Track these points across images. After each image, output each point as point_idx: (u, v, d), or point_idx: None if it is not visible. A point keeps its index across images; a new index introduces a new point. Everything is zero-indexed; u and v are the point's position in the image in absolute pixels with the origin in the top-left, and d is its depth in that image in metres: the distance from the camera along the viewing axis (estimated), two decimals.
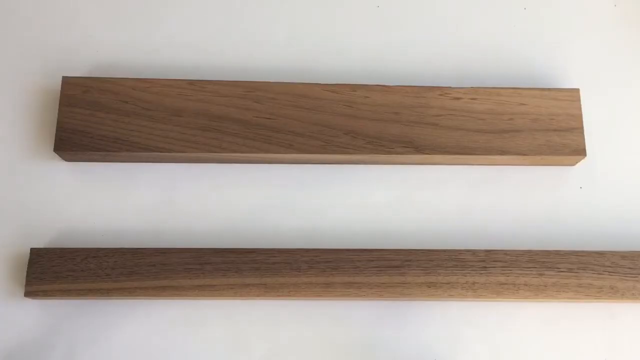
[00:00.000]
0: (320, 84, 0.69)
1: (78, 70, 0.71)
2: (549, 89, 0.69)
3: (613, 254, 0.64)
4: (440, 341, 0.64)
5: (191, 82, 0.68)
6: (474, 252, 0.64)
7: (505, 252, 0.64)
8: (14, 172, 0.68)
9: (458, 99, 0.69)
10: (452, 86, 0.69)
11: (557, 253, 0.64)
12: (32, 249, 0.64)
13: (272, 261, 0.63)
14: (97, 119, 0.66)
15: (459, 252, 0.64)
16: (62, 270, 0.63)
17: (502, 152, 0.67)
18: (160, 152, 0.66)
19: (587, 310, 0.65)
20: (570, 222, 0.68)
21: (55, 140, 0.66)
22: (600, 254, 0.64)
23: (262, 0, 0.75)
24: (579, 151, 0.67)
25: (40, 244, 0.65)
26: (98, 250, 0.64)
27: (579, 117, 0.68)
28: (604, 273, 0.63)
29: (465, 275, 0.63)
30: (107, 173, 0.68)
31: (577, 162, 0.70)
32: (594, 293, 0.63)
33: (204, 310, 0.65)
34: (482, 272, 0.63)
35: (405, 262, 0.64)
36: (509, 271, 0.63)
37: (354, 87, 0.69)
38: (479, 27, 0.75)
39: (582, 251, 0.64)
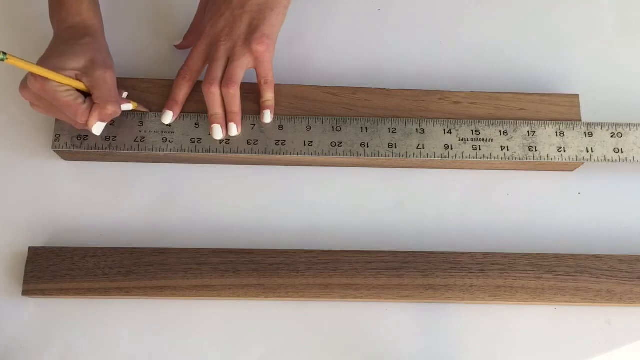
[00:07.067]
0: (320, 87, 0.69)
1: None
2: (548, 94, 0.70)
3: (611, 257, 0.64)
4: (437, 343, 0.64)
5: None
6: (472, 255, 0.64)
7: (503, 255, 0.64)
8: (13, 170, 0.68)
9: (457, 103, 0.69)
10: (452, 90, 0.69)
11: (555, 256, 0.64)
12: (30, 248, 0.64)
13: (270, 262, 0.63)
14: None
15: (457, 254, 0.64)
16: (60, 270, 0.63)
17: (502, 157, 0.67)
18: (159, 152, 0.66)
19: (584, 314, 0.65)
20: (569, 227, 0.68)
21: (54, 139, 0.66)
22: (598, 257, 0.64)
23: None
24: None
25: (38, 242, 0.65)
26: (96, 249, 0.64)
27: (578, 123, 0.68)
28: (601, 277, 0.63)
29: (463, 278, 0.63)
30: (105, 172, 0.68)
31: (575, 168, 0.70)
32: (592, 297, 0.63)
33: (202, 310, 0.64)
34: (479, 274, 0.63)
35: (403, 265, 0.63)
36: (507, 274, 0.63)
37: (354, 90, 0.69)
38: (479, 31, 0.75)
39: (580, 254, 0.64)
